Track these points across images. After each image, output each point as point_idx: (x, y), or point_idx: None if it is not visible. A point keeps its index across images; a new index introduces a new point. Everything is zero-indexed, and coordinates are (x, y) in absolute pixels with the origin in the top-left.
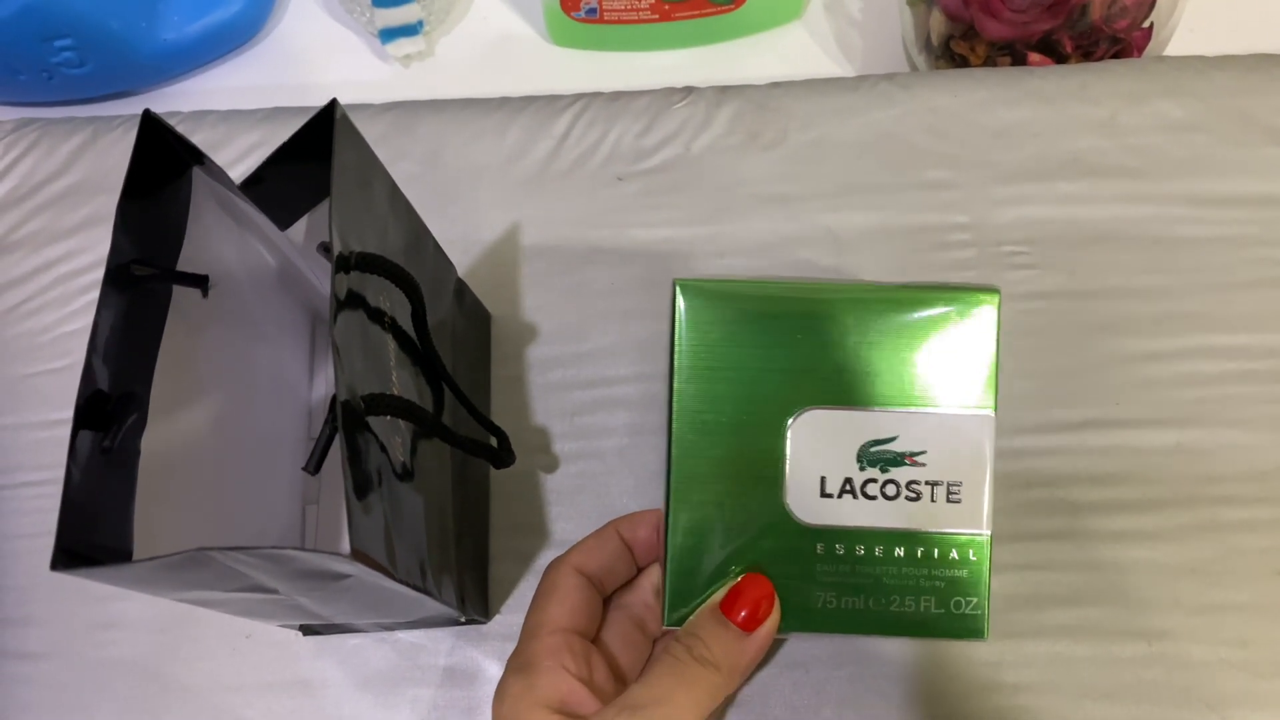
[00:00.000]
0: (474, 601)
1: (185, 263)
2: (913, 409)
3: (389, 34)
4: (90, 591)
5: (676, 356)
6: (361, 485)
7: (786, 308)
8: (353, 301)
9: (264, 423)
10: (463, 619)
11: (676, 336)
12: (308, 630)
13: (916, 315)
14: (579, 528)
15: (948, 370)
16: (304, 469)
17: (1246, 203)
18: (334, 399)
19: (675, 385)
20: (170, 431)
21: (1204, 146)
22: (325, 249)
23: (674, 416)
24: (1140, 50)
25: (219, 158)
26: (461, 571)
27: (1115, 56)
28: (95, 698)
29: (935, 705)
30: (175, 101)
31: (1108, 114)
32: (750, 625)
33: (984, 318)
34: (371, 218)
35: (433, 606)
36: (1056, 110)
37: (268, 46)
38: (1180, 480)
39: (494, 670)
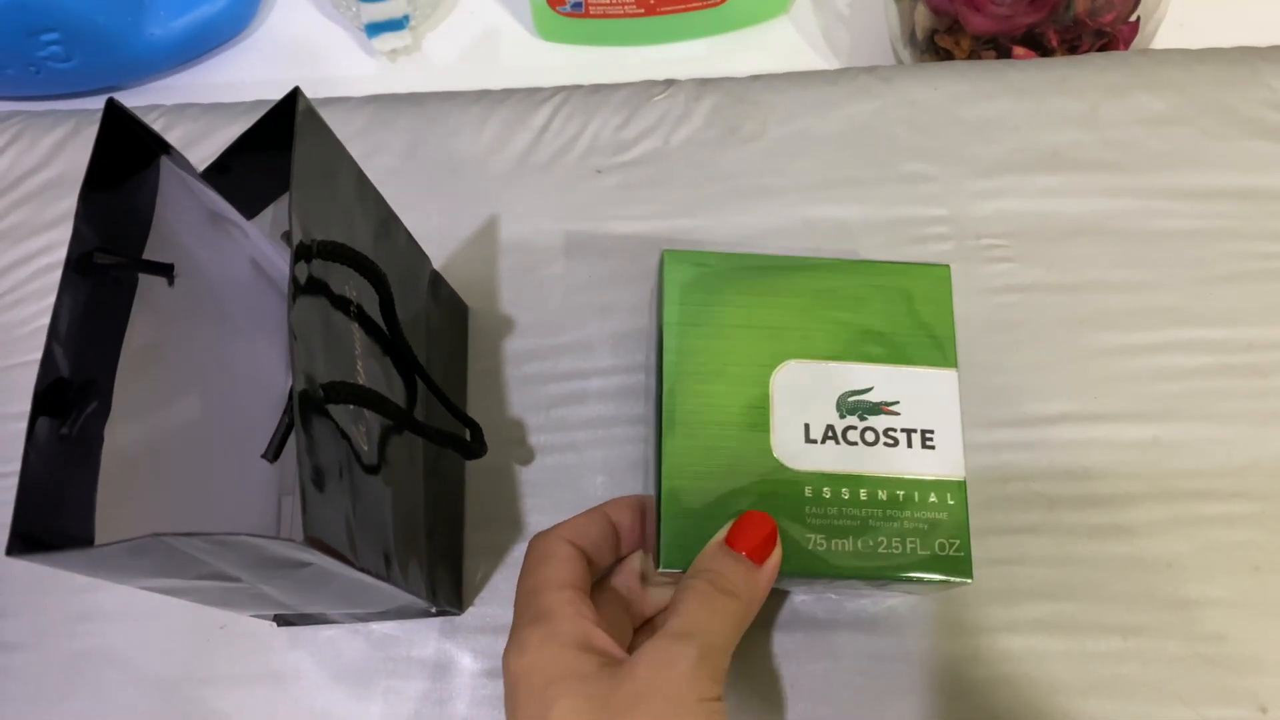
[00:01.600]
0: (446, 593)
1: (154, 252)
2: (885, 364)
3: (375, 28)
4: (66, 583)
5: (665, 314)
6: (318, 474)
7: (764, 274)
8: (314, 289)
9: (240, 412)
10: (434, 610)
11: (665, 298)
12: (282, 621)
13: (881, 285)
14: (553, 520)
15: (912, 332)
16: (263, 456)
17: (1226, 196)
18: (291, 387)
19: (664, 341)
20: (140, 421)
21: (1184, 139)
22: (287, 237)
23: (663, 372)
24: (1127, 44)
25: (200, 150)
26: (433, 563)
27: (1101, 50)
28: (70, 688)
29: (908, 699)
30: (162, 96)
31: (1088, 107)
32: (759, 558)
33: (938, 288)
34: (336, 207)
35: (401, 597)
36: (1036, 103)
37: (255, 42)
38: (1157, 475)
39: (467, 662)
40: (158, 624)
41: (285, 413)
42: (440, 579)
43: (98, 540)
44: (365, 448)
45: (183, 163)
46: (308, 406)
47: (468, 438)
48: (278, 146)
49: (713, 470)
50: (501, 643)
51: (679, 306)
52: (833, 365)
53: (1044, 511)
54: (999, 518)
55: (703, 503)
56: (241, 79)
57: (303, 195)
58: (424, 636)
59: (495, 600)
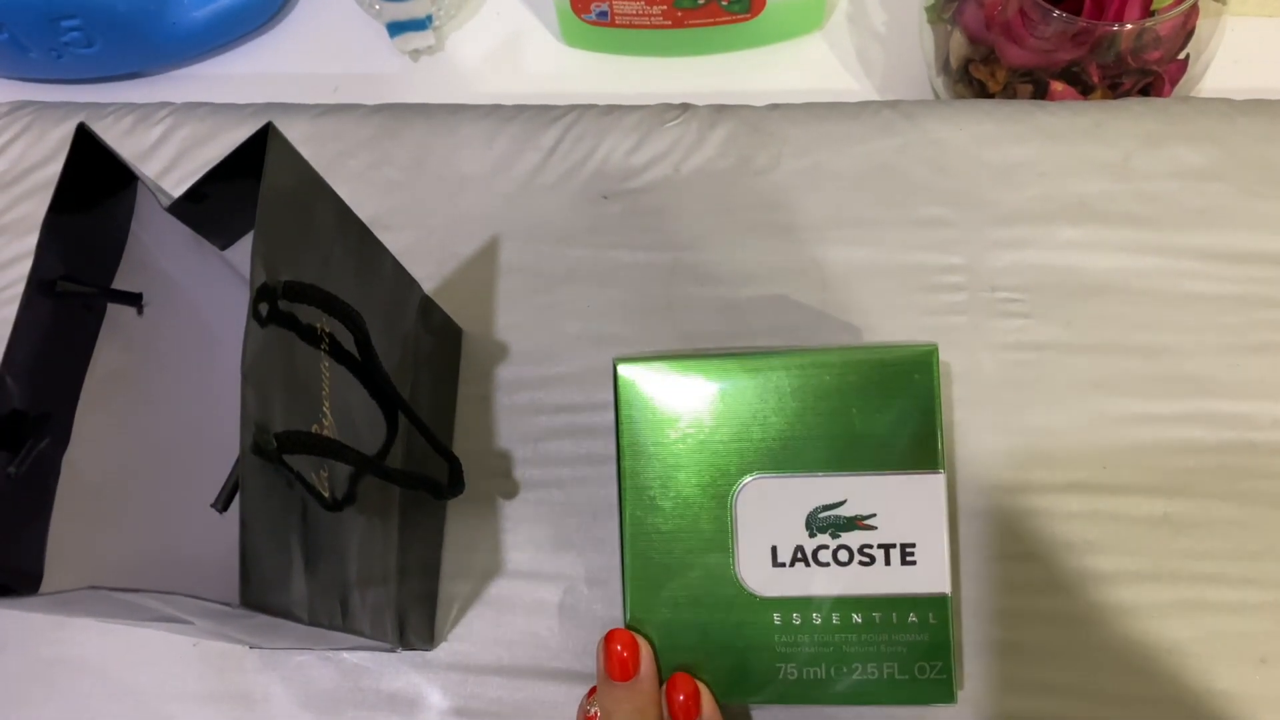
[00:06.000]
0: (417, 630)
1: (126, 277)
2: (859, 473)
3: (396, 28)
4: None
5: (621, 435)
6: (263, 532)
7: (724, 375)
8: (280, 324)
9: (220, 439)
10: (399, 649)
11: (621, 416)
12: (253, 644)
13: (855, 378)
14: (533, 557)
15: (891, 432)
16: (212, 506)
17: (1262, 259)
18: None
19: (622, 464)
20: (103, 451)
21: (1221, 197)
22: None
23: (623, 495)
24: (1173, 83)
25: (205, 153)
26: (402, 601)
27: (1145, 90)
28: (43, 694)
29: None
30: (183, 85)
31: (1121, 156)
32: (631, 671)
33: (923, 376)
34: (311, 242)
35: (362, 640)
36: (1066, 149)
37: (280, 33)
38: (1164, 554)
39: (436, 698)
40: (132, 636)
41: (237, 463)
42: (410, 616)
43: (47, 576)
44: (326, 493)
45: (155, 191)
46: (256, 461)
47: (447, 472)
48: (255, 175)
49: (678, 600)
50: (471, 681)
51: (634, 426)
52: (800, 479)
53: (1041, 587)
54: (994, 591)
55: (669, 635)
56: (264, 71)
57: (270, 234)
58: (394, 669)
59: (469, 638)
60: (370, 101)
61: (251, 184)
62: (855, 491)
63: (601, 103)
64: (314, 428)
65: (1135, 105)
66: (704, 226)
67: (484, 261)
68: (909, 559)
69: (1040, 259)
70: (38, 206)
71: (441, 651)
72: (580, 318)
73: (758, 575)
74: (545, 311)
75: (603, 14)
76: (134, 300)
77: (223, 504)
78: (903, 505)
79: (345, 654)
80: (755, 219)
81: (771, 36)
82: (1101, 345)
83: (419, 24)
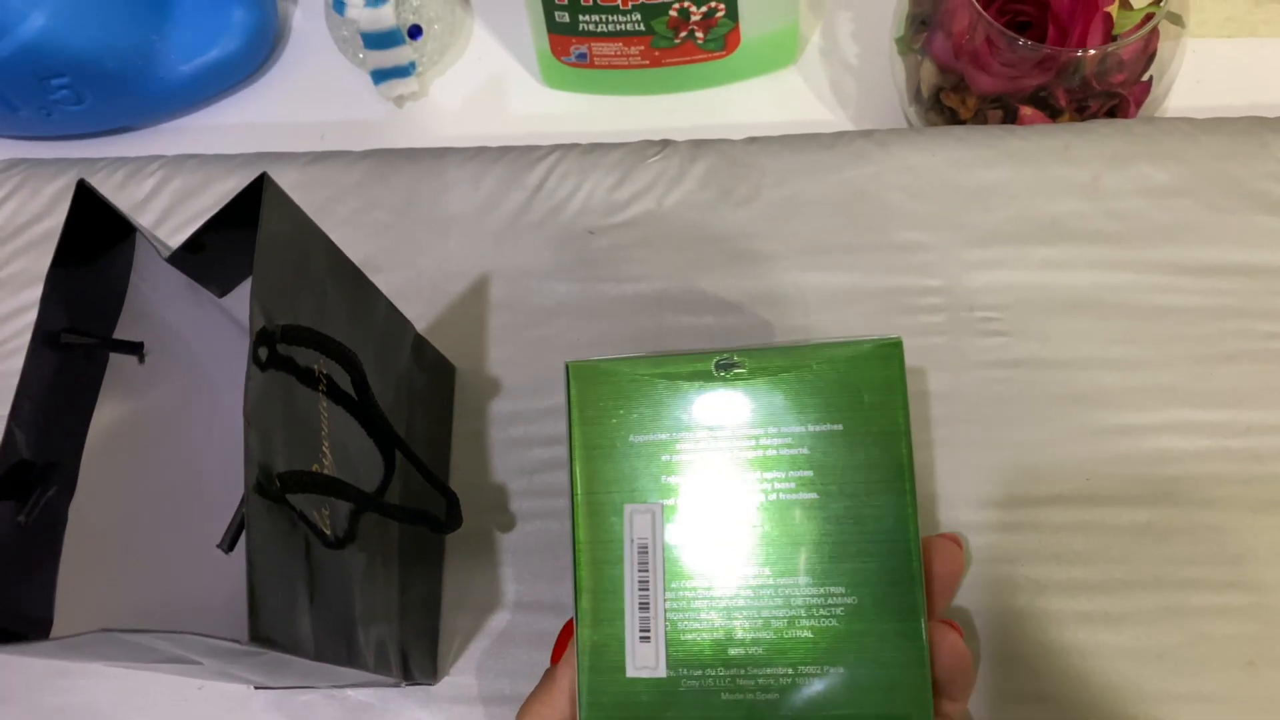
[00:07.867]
0: (420, 664)
1: (127, 326)
2: None
3: (380, 75)
4: None
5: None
6: (270, 569)
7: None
8: (278, 368)
9: (221, 484)
10: (403, 683)
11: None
12: (258, 684)
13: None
14: (533, 588)
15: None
16: (218, 546)
17: (1229, 272)
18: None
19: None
20: (109, 498)
21: (1187, 212)
22: None
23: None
24: (1138, 104)
25: (197, 204)
26: (405, 635)
27: (1111, 111)
28: None
29: None
30: (172, 138)
31: (1089, 176)
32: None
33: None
34: (307, 287)
35: (367, 675)
36: (1036, 171)
37: (268, 83)
38: (1149, 561)
39: None
40: (137, 681)
41: (242, 503)
42: (413, 650)
43: (56, 622)
44: (328, 531)
45: (154, 242)
46: (260, 501)
47: (444, 509)
48: (252, 224)
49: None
50: (475, 713)
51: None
52: None
53: (1030, 596)
54: (984, 601)
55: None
56: (253, 121)
57: (267, 280)
58: (398, 705)
59: (470, 670)
60: (358, 148)
61: (247, 233)
62: None
63: (584, 141)
64: (314, 467)
65: (1102, 127)
66: (688, 257)
67: (474, 299)
68: None
69: (1016, 278)
70: (34, 261)
71: (445, 685)
72: (571, 351)
73: None
74: (536, 346)
75: (582, 55)
76: (135, 349)
77: (229, 544)
78: None
79: (350, 691)
80: (737, 248)
81: (747, 72)
82: (1078, 360)
83: (403, 71)
